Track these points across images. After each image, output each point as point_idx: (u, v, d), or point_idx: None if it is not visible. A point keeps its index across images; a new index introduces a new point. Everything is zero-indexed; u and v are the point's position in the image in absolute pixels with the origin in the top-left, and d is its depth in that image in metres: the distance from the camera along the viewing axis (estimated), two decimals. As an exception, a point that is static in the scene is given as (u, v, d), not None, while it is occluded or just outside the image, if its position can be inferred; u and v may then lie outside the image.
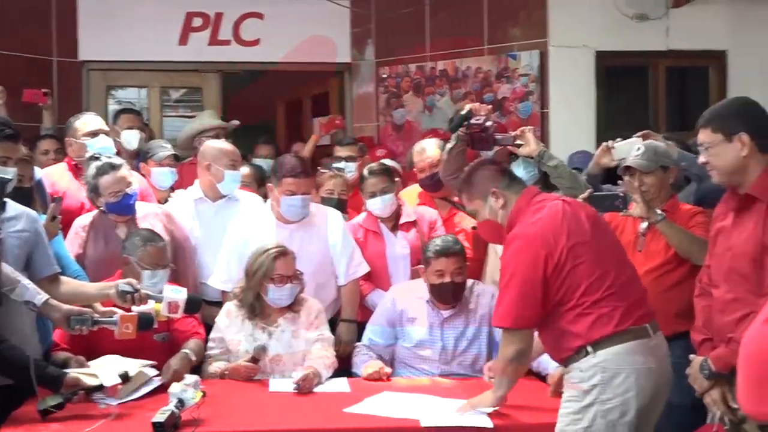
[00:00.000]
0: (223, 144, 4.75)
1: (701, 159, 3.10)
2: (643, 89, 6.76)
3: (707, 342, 3.15)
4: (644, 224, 3.93)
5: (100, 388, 3.32)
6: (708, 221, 3.79)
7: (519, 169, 4.42)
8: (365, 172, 4.68)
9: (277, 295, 3.87)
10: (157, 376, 3.54)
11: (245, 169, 5.25)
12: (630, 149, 4.08)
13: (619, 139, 4.18)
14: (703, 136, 3.07)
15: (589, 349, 3.05)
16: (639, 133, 4.26)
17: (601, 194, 3.92)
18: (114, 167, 4.23)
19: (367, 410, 3.28)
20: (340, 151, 5.65)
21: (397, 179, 4.83)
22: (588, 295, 3.06)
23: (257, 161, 6.09)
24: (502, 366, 3.13)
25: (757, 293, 2.90)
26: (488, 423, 3.09)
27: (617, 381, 3.02)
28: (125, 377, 3.35)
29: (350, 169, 5.39)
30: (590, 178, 4.38)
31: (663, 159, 4.03)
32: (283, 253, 3.89)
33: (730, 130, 3.00)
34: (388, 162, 5.45)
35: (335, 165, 5.44)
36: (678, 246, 3.82)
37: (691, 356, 3.18)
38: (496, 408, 3.18)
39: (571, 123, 6.43)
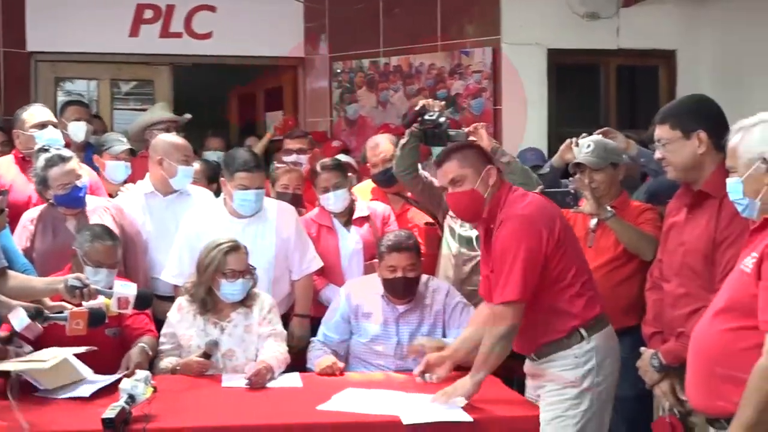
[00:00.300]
0: (176, 138, 4.71)
1: (658, 154, 3.16)
2: (594, 87, 6.85)
3: (657, 335, 3.22)
4: (594, 221, 3.98)
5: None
6: (657, 218, 3.87)
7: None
8: (318, 167, 4.67)
9: (229, 290, 3.85)
10: (102, 379, 3.46)
11: (196, 165, 5.22)
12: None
13: (584, 135, 4.23)
14: (661, 132, 3.12)
15: (584, 333, 3.18)
16: (599, 131, 4.32)
17: (552, 191, 3.94)
18: (64, 159, 4.18)
19: (340, 407, 3.26)
20: (291, 144, 5.64)
21: (350, 174, 4.84)
22: (579, 276, 3.22)
23: (208, 154, 6.05)
24: (490, 345, 3.16)
25: (708, 289, 2.96)
26: (467, 417, 3.12)
27: (606, 364, 3.20)
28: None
29: (301, 161, 5.38)
30: (552, 170, 4.44)
31: (613, 156, 4.08)
32: (235, 247, 3.87)
33: (689, 127, 3.06)
34: (341, 157, 5.46)
35: (286, 158, 5.43)
36: (627, 242, 3.87)
37: (642, 349, 3.25)
38: (467, 401, 3.21)
39: (523, 120, 6.49)
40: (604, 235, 3.93)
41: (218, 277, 3.84)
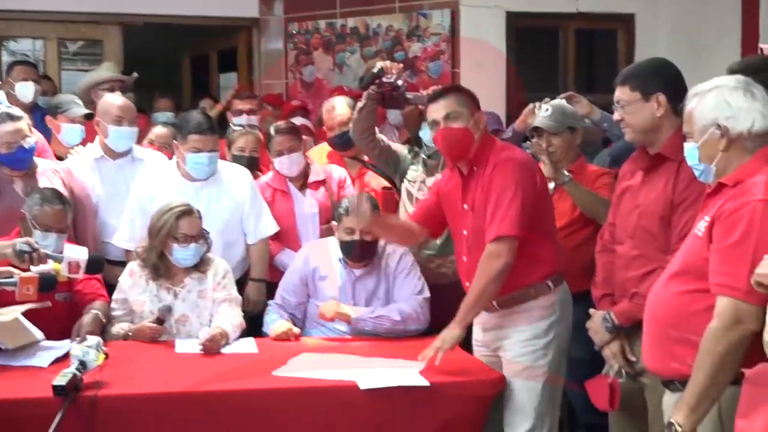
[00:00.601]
0: (113, 98, 4.63)
1: (616, 116, 3.19)
2: (553, 51, 6.86)
3: (607, 297, 3.26)
4: (551, 185, 4.00)
5: None
6: (613, 182, 3.89)
7: (429, 130, 4.42)
8: (272, 130, 4.64)
9: (181, 255, 3.83)
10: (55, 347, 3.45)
11: (161, 129, 5.13)
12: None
13: (547, 99, 4.25)
14: (621, 93, 3.15)
15: (550, 284, 3.36)
16: (563, 95, 4.34)
17: None
18: (12, 118, 4.11)
19: (296, 372, 3.28)
20: (240, 105, 5.58)
21: (305, 137, 4.81)
22: (552, 227, 3.45)
23: (157, 116, 5.96)
24: (483, 285, 3.25)
25: (663, 250, 3.01)
26: (424, 382, 3.16)
27: (565, 317, 3.39)
28: None
29: (252, 123, 5.33)
30: (515, 134, 4.46)
31: (570, 120, 4.11)
32: (187, 211, 3.85)
33: (648, 89, 3.09)
34: (296, 120, 5.42)
35: (236, 120, 5.37)
36: (584, 206, 3.92)
37: (592, 311, 3.29)
38: (425, 365, 3.26)
39: (482, 83, 6.47)
40: (561, 199, 3.95)
41: (170, 242, 3.82)
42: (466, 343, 3.51)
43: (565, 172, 3.93)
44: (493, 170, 3.31)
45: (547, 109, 4.10)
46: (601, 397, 3.17)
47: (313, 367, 3.36)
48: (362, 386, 3.11)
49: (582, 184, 3.98)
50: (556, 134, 4.06)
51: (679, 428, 2.42)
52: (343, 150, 4.91)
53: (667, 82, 3.10)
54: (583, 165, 4.13)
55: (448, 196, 3.53)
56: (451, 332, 3.28)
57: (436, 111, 3.41)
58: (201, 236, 3.86)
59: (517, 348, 3.37)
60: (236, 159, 4.74)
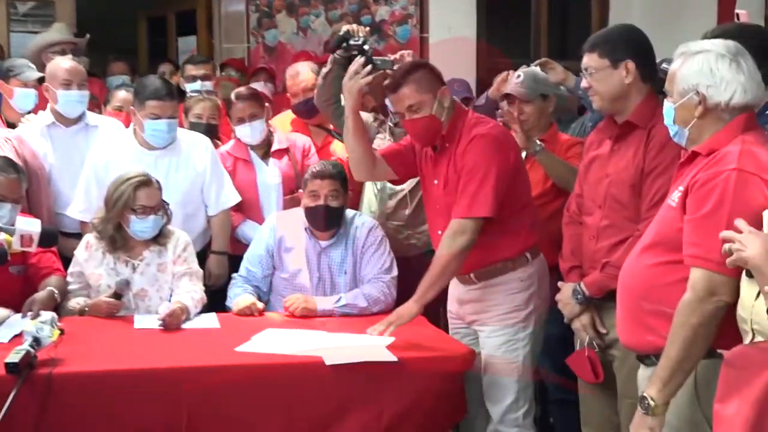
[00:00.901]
0: (61, 62, 4.57)
1: (584, 83, 3.20)
2: (525, 16, 6.86)
3: (575, 269, 3.29)
4: (523, 154, 4.03)
5: None
6: None
7: (395, 95, 4.42)
8: (233, 96, 4.61)
9: (139, 227, 3.81)
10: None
11: (124, 93, 5.05)
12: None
13: (524, 67, 4.25)
14: (589, 60, 3.15)
15: (529, 256, 3.43)
16: (537, 61, 4.34)
17: None
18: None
19: (260, 348, 3.28)
20: (193, 70, 5.53)
21: (267, 104, 4.78)
22: (529, 200, 3.49)
23: (111, 80, 5.88)
24: (446, 260, 3.29)
25: (633, 219, 3.05)
26: (392, 357, 3.18)
27: (543, 288, 3.46)
28: None
29: (208, 89, 5.29)
30: (488, 102, 4.46)
31: (543, 87, 4.12)
32: (145, 182, 3.82)
33: (617, 56, 3.09)
34: (257, 86, 5.38)
35: (190, 86, 5.31)
36: (556, 177, 3.93)
37: (560, 283, 3.32)
38: (393, 338, 3.30)
39: (451, 49, 6.48)
40: (533, 169, 3.94)
41: (128, 214, 3.79)
42: (434, 315, 3.55)
43: (537, 142, 3.94)
44: (466, 147, 3.32)
45: (519, 76, 4.10)
46: (585, 371, 3.21)
47: (277, 343, 3.36)
48: (328, 362, 3.11)
49: (554, 153, 3.99)
50: (527, 102, 4.07)
51: (652, 402, 2.45)
52: (308, 117, 4.89)
53: (636, 49, 3.12)
54: (555, 134, 4.15)
55: (421, 165, 3.54)
56: (409, 308, 3.31)
57: (398, 102, 3.40)
58: (160, 208, 3.84)
59: (497, 322, 3.44)
60: (193, 126, 4.71)
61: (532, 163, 3.98)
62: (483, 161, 3.29)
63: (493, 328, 3.45)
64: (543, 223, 3.72)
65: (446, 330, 3.68)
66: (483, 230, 3.33)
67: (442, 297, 3.55)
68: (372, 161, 3.59)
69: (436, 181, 3.42)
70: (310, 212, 3.96)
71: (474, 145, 3.31)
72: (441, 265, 3.31)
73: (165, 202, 3.88)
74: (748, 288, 2.28)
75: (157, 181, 3.87)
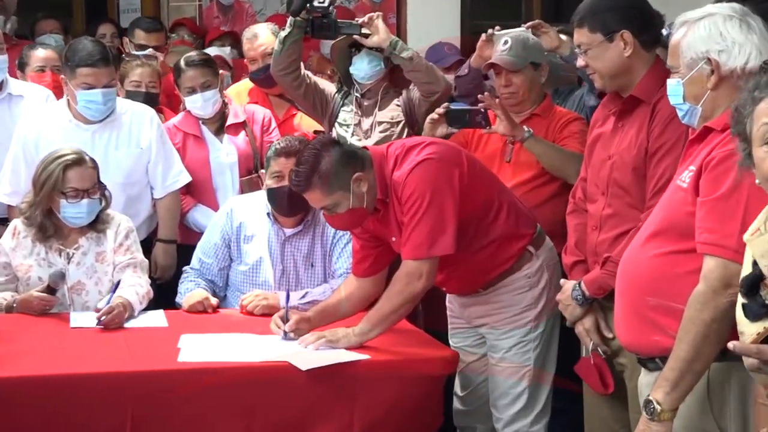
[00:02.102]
0: None
1: (580, 62, 3.19)
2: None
3: (580, 264, 3.29)
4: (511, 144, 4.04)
5: None
6: (585, 130, 3.89)
7: (362, 63, 4.41)
8: (182, 63, 4.60)
9: (71, 212, 3.78)
10: None
11: (43, 51, 4.97)
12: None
13: (499, 28, 4.22)
14: (580, 36, 3.14)
15: (531, 250, 3.45)
16: (528, 24, 4.32)
17: (459, 108, 4.00)
18: None
19: (205, 357, 3.26)
20: (144, 39, 5.48)
21: (222, 72, 4.75)
22: (502, 194, 3.47)
23: (43, 38, 5.81)
24: (397, 305, 3.31)
25: (638, 207, 3.04)
26: (360, 355, 3.24)
27: (555, 275, 3.46)
28: None
29: (157, 56, 5.28)
30: (472, 72, 4.44)
31: (533, 55, 4.11)
32: (77, 161, 3.78)
33: (610, 28, 3.08)
34: (211, 51, 5.34)
35: (139, 52, 5.28)
36: (549, 165, 3.93)
37: (562, 281, 3.32)
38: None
39: (432, 10, 6.46)
40: (523, 150, 3.98)
41: (57, 197, 3.76)
42: (414, 316, 3.57)
43: (525, 128, 3.90)
44: (402, 193, 3.29)
45: (506, 42, 4.08)
46: (593, 380, 3.20)
47: (219, 348, 3.34)
48: (304, 368, 3.12)
49: (549, 128, 4.00)
50: (516, 71, 4.06)
51: (658, 407, 2.41)
52: (267, 86, 4.87)
53: (630, 16, 3.09)
54: (549, 107, 4.15)
55: (376, 234, 3.50)
56: (347, 338, 3.32)
57: (315, 202, 3.36)
58: (96, 190, 3.80)
59: (505, 325, 3.47)
60: (130, 95, 4.69)
61: (522, 146, 3.98)
62: (426, 188, 3.25)
63: (501, 332, 3.49)
64: (535, 209, 3.72)
65: (425, 329, 3.70)
66: (473, 251, 3.36)
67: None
68: (368, 297, 3.57)
69: (393, 239, 3.40)
70: (273, 195, 3.94)
71: (406, 186, 3.28)
72: (391, 307, 3.31)
73: (101, 184, 3.85)
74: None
75: (92, 160, 3.84)
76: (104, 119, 4.25)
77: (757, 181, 2.03)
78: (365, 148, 3.50)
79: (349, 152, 3.35)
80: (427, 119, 4.04)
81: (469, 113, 3.94)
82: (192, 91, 4.52)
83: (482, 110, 3.89)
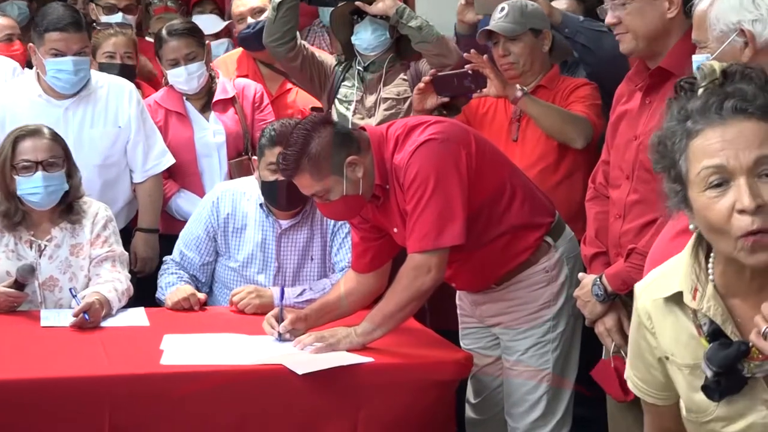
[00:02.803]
0: None
1: (610, 18, 3.13)
2: None
3: (600, 257, 3.27)
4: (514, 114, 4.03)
5: None
6: (594, 94, 3.95)
7: (365, 32, 4.40)
8: (164, 32, 4.57)
9: (25, 188, 3.73)
10: None
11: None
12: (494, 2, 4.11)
13: None
14: None
15: (550, 241, 3.43)
16: None
17: (446, 74, 4.02)
18: None
19: (189, 360, 3.24)
20: None
21: (209, 42, 4.72)
22: (515, 177, 3.43)
23: (3, 7, 5.75)
24: (404, 302, 3.27)
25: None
26: (367, 358, 3.22)
27: (576, 267, 3.44)
28: None
29: (123, 22, 5.17)
30: (462, 38, 4.42)
31: (533, 20, 4.08)
32: (32, 131, 3.76)
33: None
34: (200, 20, 5.28)
35: (109, 19, 5.19)
36: (549, 127, 3.90)
37: (581, 275, 3.30)
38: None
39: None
40: (531, 124, 3.97)
41: (12, 174, 3.74)
42: (421, 314, 3.56)
43: (518, 86, 3.90)
44: (404, 178, 3.27)
45: (503, 9, 4.07)
46: (612, 385, 3.17)
47: (216, 351, 3.32)
48: (300, 372, 3.10)
49: (556, 100, 3.98)
50: (514, 39, 4.04)
51: None
52: (257, 50, 4.79)
53: None
54: (556, 77, 4.13)
55: (377, 224, 3.48)
56: (350, 340, 3.30)
57: (304, 188, 3.32)
58: (56, 164, 3.75)
59: (521, 324, 3.45)
60: (104, 68, 4.65)
61: (528, 121, 3.98)
62: (430, 171, 3.22)
63: (517, 331, 3.46)
64: (548, 191, 3.69)
65: (432, 328, 3.69)
66: (483, 243, 3.33)
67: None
68: (371, 293, 3.55)
69: (395, 230, 3.38)
70: (268, 189, 3.90)
71: (413, 161, 3.25)
72: (397, 305, 3.27)
73: (71, 163, 3.80)
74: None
75: (55, 134, 3.80)
76: (77, 93, 4.22)
77: (691, 226, 1.86)
78: (363, 128, 3.47)
79: (343, 133, 3.32)
80: (414, 90, 4.07)
81: (457, 77, 3.95)
82: (175, 63, 4.49)
83: (470, 72, 3.89)
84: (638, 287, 2.01)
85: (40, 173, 3.72)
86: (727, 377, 1.83)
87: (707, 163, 1.75)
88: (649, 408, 2.11)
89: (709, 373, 1.83)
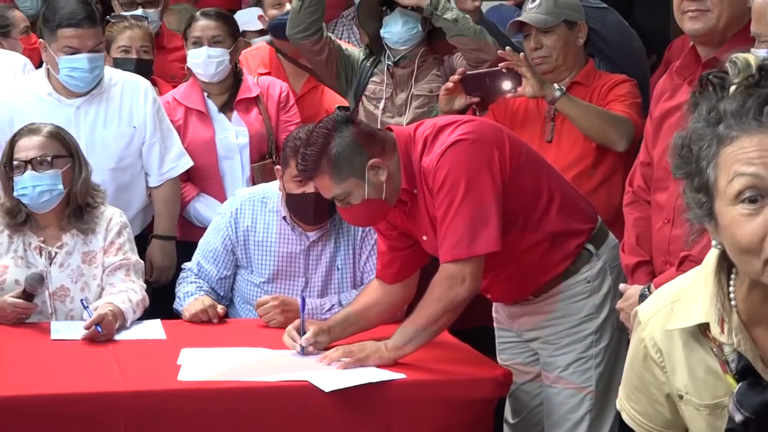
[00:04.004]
0: None
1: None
2: None
3: (644, 266, 3.26)
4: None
5: None
6: (633, 92, 3.97)
7: (395, 25, 4.39)
8: (197, 13, 4.64)
9: (20, 188, 3.72)
10: None
11: None
12: None
13: None
14: None
15: (591, 249, 3.42)
16: None
17: (477, 72, 4.03)
18: None
19: (210, 374, 3.23)
20: None
21: (241, 39, 4.74)
22: (553, 181, 3.43)
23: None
24: (437, 314, 3.25)
25: None
26: (398, 374, 3.21)
27: (620, 281, 3.39)
28: None
29: (152, 19, 5.22)
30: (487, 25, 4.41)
31: (567, 12, 4.08)
32: (30, 130, 3.77)
33: None
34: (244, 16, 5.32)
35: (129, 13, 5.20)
36: (588, 128, 3.88)
37: (623, 286, 3.28)
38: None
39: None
40: (567, 123, 3.96)
41: (11, 175, 3.75)
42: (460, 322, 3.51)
43: (556, 86, 3.88)
44: (433, 182, 3.26)
45: None
46: None
47: (236, 366, 3.31)
48: (327, 389, 3.09)
49: (593, 98, 3.97)
50: (547, 31, 4.03)
51: None
52: (283, 37, 4.76)
53: None
54: (591, 72, 4.13)
55: (406, 230, 3.47)
56: (380, 355, 3.29)
57: (324, 190, 3.33)
58: (45, 162, 3.73)
59: (561, 338, 3.43)
60: (119, 63, 4.65)
61: (564, 121, 3.97)
62: (461, 174, 3.20)
63: (556, 347, 3.44)
64: (586, 195, 3.69)
65: (466, 340, 3.66)
66: (520, 252, 3.32)
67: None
68: (396, 305, 3.55)
69: (425, 237, 3.37)
70: (294, 202, 3.86)
71: (442, 163, 3.23)
72: (430, 317, 3.25)
73: (72, 159, 3.78)
74: None
75: (54, 130, 3.79)
76: (90, 91, 4.21)
77: (714, 242, 1.75)
78: (389, 128, 3.45)
79: (366, 133, 3.31)
80: (441, 90, 4.07)
81: (489, 76, 3.96)
82: (198, 43, 4.50)
83: (504, 71, 3.87)
84: (644, 314, 1.90)
85: (29, 173, 3.72)
86: (759, 423, 1.73)
87: (742, 173, 1.63)
88: None
89: (739, 418, 1.74)
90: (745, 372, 1.74)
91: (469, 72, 4.00)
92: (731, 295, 1.75)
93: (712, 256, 1.77)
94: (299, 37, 4.36)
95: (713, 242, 1.74)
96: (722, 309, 1.75)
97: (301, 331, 3.41)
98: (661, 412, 1.91)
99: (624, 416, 1.99)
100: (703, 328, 1.78)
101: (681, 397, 1.84)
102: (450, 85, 3.99)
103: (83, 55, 4.12)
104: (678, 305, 1.82)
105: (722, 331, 1.74)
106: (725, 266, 1.77)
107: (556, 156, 3.90)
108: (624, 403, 1.98)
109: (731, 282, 1.76)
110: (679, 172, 1.75)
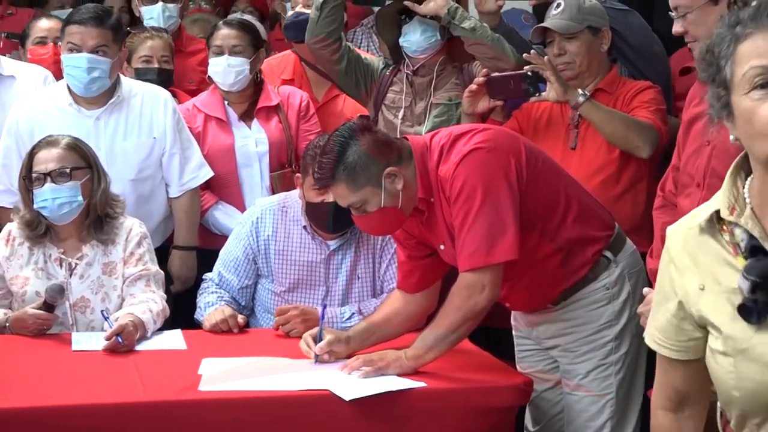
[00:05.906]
0: None
1: (677, 27, 3.14)
2: None
3: (670, 270, 3.25)
4: (577, 112, 4.01)
5: None
6: (658, 98, 3.94)
7: (414, 33, 4.40)
8: (220, 22, 4.67)
9: (38, 201, 3.75)
10: None
11: (46, 22, 4.99)
12: None
13: None
14: None
15: (609, 256, 3.43)
16: None
17: (502, 75, 4.05)
18: None
19: (230, 384, 3.25)
20: None
21: (262, 49, 4.73)
22: (570, 188, 3.44)
23: (54, 13, 5.84)
24: (457, 323, 3.27)
25: None
26: (419, 383, 3.22)
27: (639, 286, 3.42)
28: None
29: (172, 14, 5.26)
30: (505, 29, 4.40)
31: (591, 18, 4.09)
32: (49, 142, 3.80)
33: None
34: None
35: (146, 10, 5.23)
36: (612, 134, 3.92)
37: (646, 290, 3.27)
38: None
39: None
40: (591, 130, 3.97)
41: (30, 188, 3.78)
42: (480, 332, 3.53)
43: (580, 91, 3.91)
44: (449, 191, 3.28)
45: (558, 5, 4.08)
46: None
47: (257, 376, 3.33)
48: (348, 398, 3.11)
49: (617, 105, 3.99)
50: (571, 38, 4.05)
51: None
52: (298, 40, 4.77)
53: None
54: (615, 80, 4.15)
55: (423, 239, 3.49)
56: (400, 364, 3.30)
57: (335, 197, 3.38)
58: (64, 174, 3.76)
59: (580, 346, 3.45)
60: (141, 74, 4.70)
61: (588, 127, 3.99)
62: (477, 183, 3.22)
63: (575, 354, 3.47)
64: (610, 203, 3.72)
65: (486, 347, 3.69)
66: (537, 260, 3.34)
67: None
68: (417, 316, 3.57)
69: (442, 246, 3.39)
70: (313, 210, 3.91)
71: (459, 172, 3.25)
72: (450, 326, 3.27)
73: (91, 170, 3.82)
74: None
75: (73, 142, 3.82)
76: (95, 95, 4.21)
77: (731, 137, 1.91)
78: (405, 137, 3.47)
79: (382, 141, 3.33)
80: (465, 92, 4.08)
81: (513, 79, 3.97)
82: (219, 51, 4.54)
83: (529, 74, 3.90)
84: (670, 228, 2.06)
85: (48, 185, 3.75)
86: (765, 292, 1.86)
87: (755, 63, 1.81)
88: (662, 364, 2.14)
89: (746, 285, 1.86)
90: (754, 250, 1.88)
91: (493, 74, 4.02)
92: (746, 194, 1.90)
93: (734, 162, 1.96)
94: (318, 46, 4.38)
95: (731, 137, 1.90)
96: (734, 200, 1.91)
97: (318, 339, 3.43)
98: (673, 323, 2.05)
99: (646, 338, 2.13)
100: (718, 225, 1.94)
101: (702, 288, 1.97)
102: (474, 87, 4.02)
103: (82, 54, 4.14)
104: (697, 211, 1.99)
105: (731, 214, 1.90)
106: (742, 172, 1.93)
107: (580, 163, 3.93)
108: (649, 326, 2.13)
109: (747, 184, 1.91)
110: (704, 74, 1.94)
